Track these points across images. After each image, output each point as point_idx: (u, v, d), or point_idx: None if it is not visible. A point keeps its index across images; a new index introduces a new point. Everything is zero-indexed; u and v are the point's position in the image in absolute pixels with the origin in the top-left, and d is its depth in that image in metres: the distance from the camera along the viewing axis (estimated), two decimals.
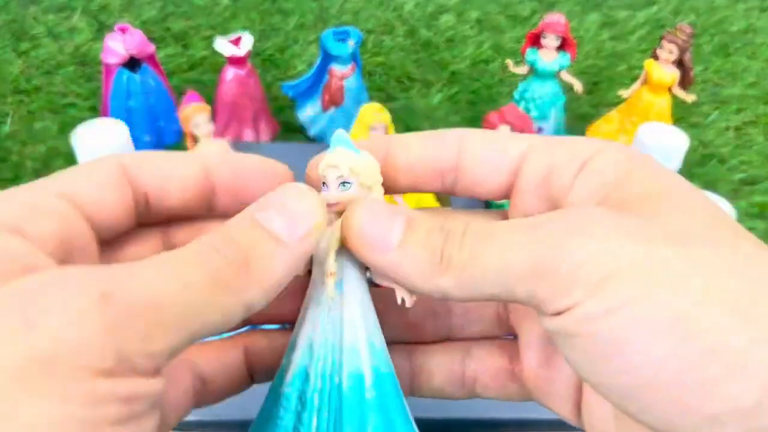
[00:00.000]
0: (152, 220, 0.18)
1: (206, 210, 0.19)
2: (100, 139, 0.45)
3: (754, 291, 0.13)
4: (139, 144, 0.57)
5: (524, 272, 0.14)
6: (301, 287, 0.19)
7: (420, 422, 0.28)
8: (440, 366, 0.20)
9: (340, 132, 0.18)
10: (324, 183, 0.17)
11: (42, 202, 0.15)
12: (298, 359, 0.17)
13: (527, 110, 0.56)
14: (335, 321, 0.17)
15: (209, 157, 0.19)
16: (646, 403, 0.14)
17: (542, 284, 0.14)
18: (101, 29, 0.72)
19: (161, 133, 0.58)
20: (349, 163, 0.17)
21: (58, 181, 0.16)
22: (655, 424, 0.14)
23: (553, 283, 0.14)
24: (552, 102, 0.56)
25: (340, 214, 0.17)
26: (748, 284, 0.14)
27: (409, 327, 0.20)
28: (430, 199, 0.52)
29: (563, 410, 0.19)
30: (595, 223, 0.14)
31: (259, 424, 0.18)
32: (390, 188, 0.19)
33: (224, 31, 0.73)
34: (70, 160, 0.56)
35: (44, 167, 0.55)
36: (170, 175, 0.18)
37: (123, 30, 0.54)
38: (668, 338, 0.13)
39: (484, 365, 0.20)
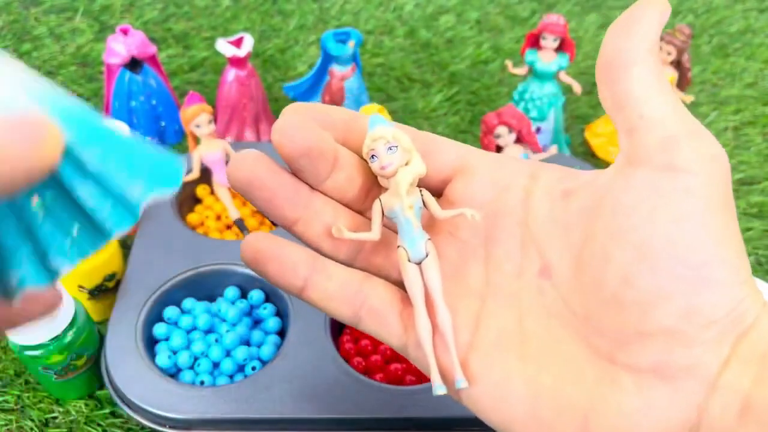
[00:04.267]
0: None
1: None
2: None
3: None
4: None
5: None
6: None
7: (422, 421, 0.28)
8: None
9: (376, 115, 0.22)
10: (373, 156, 0.22)
11: None
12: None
13: (526, 111, 0.57)
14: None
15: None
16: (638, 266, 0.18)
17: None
18: (103, 30, 0.73)
19: (163, 134, 0.59)
20: (391, 133, 0.22)
21: None
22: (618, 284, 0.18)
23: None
24: (551, 103, 0.56)
25: (394, 173, 0.22)
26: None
27: None
28: None
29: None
30: None
31: None
32: None
33: (225, 32, 0.74)
34: None
35: None
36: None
37: (124, 31, 0.54)
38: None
39: None
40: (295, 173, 0.22)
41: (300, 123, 0.21)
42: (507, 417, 0.20)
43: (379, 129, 0.22)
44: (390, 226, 0.23)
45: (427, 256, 0.22)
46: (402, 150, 0.22)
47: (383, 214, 0.22)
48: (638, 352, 0.18)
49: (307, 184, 0.22)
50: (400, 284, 0.23)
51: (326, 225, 0.22)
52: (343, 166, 0.22)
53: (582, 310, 0.19)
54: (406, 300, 0.22)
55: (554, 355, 0.20)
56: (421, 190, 0.22)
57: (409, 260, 0.22)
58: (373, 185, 0.23)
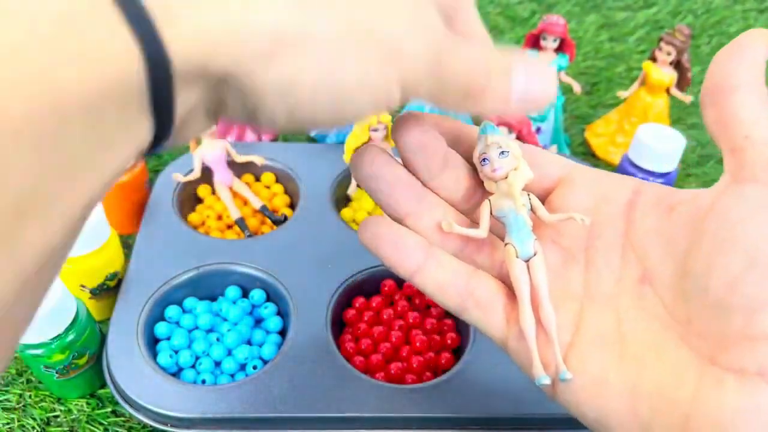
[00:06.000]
0: None
1: None
2: None
3: None
4: None
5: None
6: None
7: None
8: None
9: (488, 122, 0.24)
10: (484, 159, 0.23)
11: None
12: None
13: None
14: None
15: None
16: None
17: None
18: None
19: None
20: (504, 140, 0.23)
21: None
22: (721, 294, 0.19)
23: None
24: (551, 103, 0.57)
25: (504, 176, 0.23)
26: None
27: None
28: None
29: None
30: None
31: None
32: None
33: None
34: None
35: None
36: None
37: None
38: None
39: None
40: (408, 168, 0.24)
41: (418, 121, 0.23)
42: (604, 412, 0.20)
43: (492, 135, 0.23)
44: (493, 229, 0.24)
45: (535, 254, 0.23)
46: (512, 156, 0.23)
47: (491, 214, 0.24)
48: (743, 356, 0.19)
49: (419, 180, 0.24)
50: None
51: (436, 220, 0.24)
52: (452, 167, 0.24)
53: (683, 315, 0.20)
54: (509, 295, 0.23)
55: (654, 355, 0.20)
56: (528, 194, 0.24)
57: (517, 257, 0.23)
58: (477, 190, 0.24)
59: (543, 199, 0.24)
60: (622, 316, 0.22)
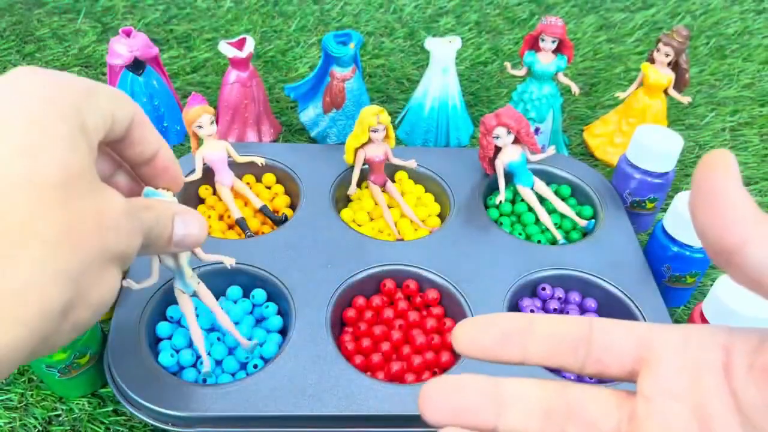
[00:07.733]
0: None
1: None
2: None
3: None
4: None
5: None
6: None
7: None
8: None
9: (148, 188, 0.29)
10: None
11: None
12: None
13: (525, 112, 0.57)
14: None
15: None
16: None
17: None
18: (105, 31, 0.73)
19: (165, 135, 0.59)
20: None
21: None
22: None
23: None
24: (549, 103, 0.57)
25: None
26: None
27: None
28: (430, 200, 0.52)
29: None
30: None
31: None
32: (526, 358, 0.21)
33: (226, 34, 0.74)
34: None
35: None
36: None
37: (127, 33, 0.55)
38: None
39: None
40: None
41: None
42: None
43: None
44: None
45: (199, 283, 0.34)
46: None
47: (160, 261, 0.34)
48: None
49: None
50: None
51: (519, 414, 0.21)
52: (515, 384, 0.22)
53: None
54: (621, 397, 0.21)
55: None
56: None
57: (184, 293, 0.34)
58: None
59: (630, 380, 0.21)
60: None
